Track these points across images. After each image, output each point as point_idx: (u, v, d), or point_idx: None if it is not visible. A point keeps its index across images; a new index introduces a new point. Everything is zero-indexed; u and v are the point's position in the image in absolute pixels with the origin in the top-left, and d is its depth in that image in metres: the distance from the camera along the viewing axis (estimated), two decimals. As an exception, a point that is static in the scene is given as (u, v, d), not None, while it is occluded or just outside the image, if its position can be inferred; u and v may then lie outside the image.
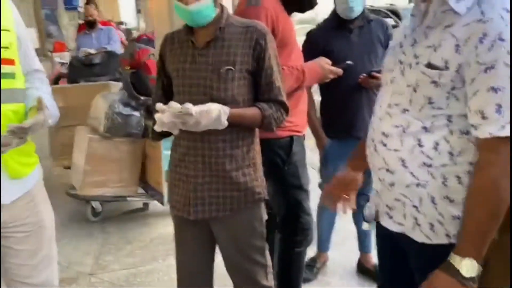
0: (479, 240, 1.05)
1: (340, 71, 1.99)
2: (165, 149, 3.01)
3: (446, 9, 1.07)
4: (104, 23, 5.79)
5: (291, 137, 1.96)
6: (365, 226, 1.36)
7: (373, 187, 1.32)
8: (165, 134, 1.55)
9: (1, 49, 1.31)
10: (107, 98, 3.28)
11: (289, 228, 2.06)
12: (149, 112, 2.86)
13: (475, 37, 1.01)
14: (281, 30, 1.82)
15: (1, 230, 1.41)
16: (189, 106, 1.34)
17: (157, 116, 1.35)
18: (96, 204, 3.39)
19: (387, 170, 1.20)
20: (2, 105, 1.28)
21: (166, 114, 1.33)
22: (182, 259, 1.70)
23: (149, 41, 4.96)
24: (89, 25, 5.15)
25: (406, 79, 1.15)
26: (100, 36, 5.05)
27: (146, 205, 3.57)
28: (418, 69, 1.11)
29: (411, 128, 1.14)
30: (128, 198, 3.42)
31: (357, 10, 2.10)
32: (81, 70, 4.13)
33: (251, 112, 1.52)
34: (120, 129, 3.15)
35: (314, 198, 2.07)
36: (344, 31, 2.14)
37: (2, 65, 1.31)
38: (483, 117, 1.02)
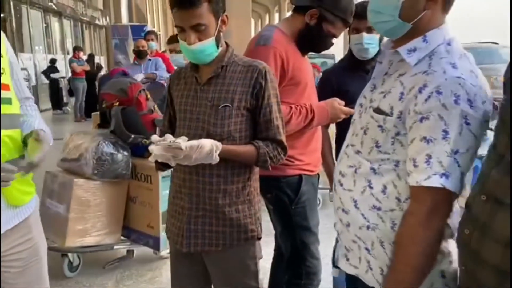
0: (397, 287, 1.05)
1: (352, 111, 1.94)
2: (162, 189, 2.86)
3: (402, 58, 1.14)
4: (160, 55, 6.05)
5: (300, 176, 1.92)
6: (334, 272, 1.34)
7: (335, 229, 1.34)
8: (167, 165, 1.56)
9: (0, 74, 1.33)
10: (90, 137, 2.96)
11: (294, 271, 2.00)
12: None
13: (417, 86, 1.06)
14: (291, 69, 1.82)
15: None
16: (179, 140, 1.37)
17: (150, 147, 1.38)
18: (73, 257, 3.01)
19: (343, 210, 1.24)
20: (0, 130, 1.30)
21: (157, 147, 1.36)
22: None
23: (125, 75, 4.34)
24: (139, 56, 5.42)
25: (361, 122, 1.22)
26: (147, 67, 5.31)
27: (130, 252, 3.26)
28: (369, 113, 1.18)
29: (362, 169, 1.19)
30: (115, 246, 3.08)
31: (372, 51, 2.06)
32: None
33: (246, 149, 1.52)
34: (109, 170, 2.86)
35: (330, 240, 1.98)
36: (360, 71, 2.10)
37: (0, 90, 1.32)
38: (415, 165, 1.06)
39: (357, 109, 1.29)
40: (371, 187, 1.15)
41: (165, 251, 3.05)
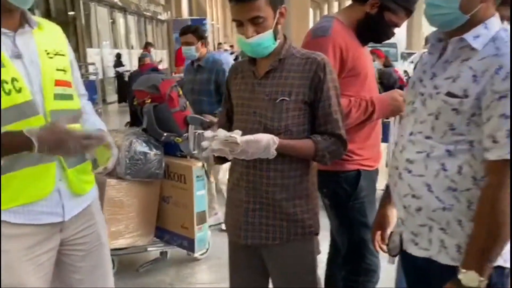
0: (480, 256, 1.14)
1: None
2: (197, 190, 2.78)
3: (463, 45, 1.21)
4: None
5: (359, 171, 1.87)
6: (390, 260, 1.42)
7: (397, 217, 1.37)
8: (224, 158, 1.58)
9: (60, 72, 1.41)
10: (122, 135, 2.85)
11: (352, 267, 1.96)
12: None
13: (492, 68, 1.14)
14: (351, 60, 1.77)
15: (63, 247, 1.48)
16: (235, 134, 1.38)
17: (205, 143, 1.40)
18: None
19: (413, 196, 1.27)
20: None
21: (215, 141, 1.38)
22: (235, 284, 1.72)
23: (156, 71, 4.41)
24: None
25: (427, 109, 1.26)
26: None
27: (164, 254, 3.20)
28: (439, 98, 1.22)
29: (435, 153, 1.23)
30: (148, 248, 3.04)
31: None
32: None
33: (303, 143, 1.51)
34: (142, 170, 2.79)
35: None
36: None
37: (62, 87, 1.41)
38: (494, 141, 1.13)
39: (415, 98, 1.32)
40: (445, 170, 1.21)
41: (199, 252, 3.03)
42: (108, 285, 1.63)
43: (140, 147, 2.78)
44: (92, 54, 12.18)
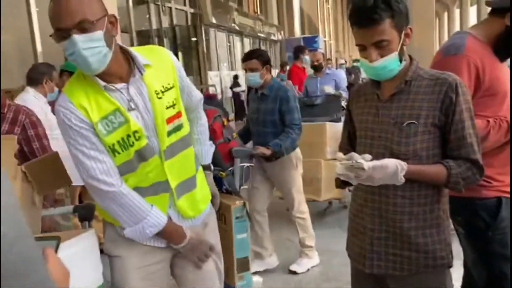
0: None
1: None
2: (237, 233, 2.35)
3: None
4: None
5: (500, 199, 1.70)
6: None
7: None
8: (348, 183, 1.54)
9: (169, 108, 1.49)
10: None
11: (491, 304, 1.77)
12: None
13: None
14: (488, 79, 1.63)
15: (175, 259, 1.65)
16: (362, 160, 1.34)
17: (338, 167, 1.38)
18: None
19: None
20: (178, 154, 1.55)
21: (340, 166, 1.37)
22: None
23: (210, 100, 4.21)
24: (315, 69, 5.54)
25: None
26: (323, 81, 5.36)
27: None
28: None
29: None
30: None
31: None
32: (302, 110, 4.48)
33: (434, 169, 1.42)
34: None
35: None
36: None
37: (173, 123, 1.50)
38: None
39: None
40: None
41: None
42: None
43: None
44: (212, 76, 13.02)
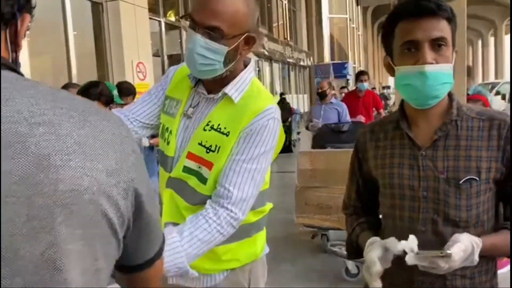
0: None
1: None
2: None
3: None
4: (370, 92, 6.09)
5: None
6: None
7: None
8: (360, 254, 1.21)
9: (201, 147, 1.30)
10: None
11: None
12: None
13: None
14: None
15: None
16: (450, 250, 1.00)
17: (410, 258, 1.02)
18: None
19: None
20: None
21: (411, 256, 1.02)
22: None
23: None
24: (320, 96, 5.46)
25: None
26: (327, 109, 5.28)
27: None
28: None
29: None
30: None
31: None
32: (328, 136, 4.45)
33: (505, 239, 1.10)
34: None
35: None
36: None
37: (193, 162, 1.30)
38: None
39: None
40: None
41: None
42: None
43: None
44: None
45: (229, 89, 1.29)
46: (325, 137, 4.49)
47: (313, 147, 4.72)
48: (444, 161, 1.11)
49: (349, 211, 1.36)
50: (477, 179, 1.09)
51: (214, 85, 1.31)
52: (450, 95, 1.16)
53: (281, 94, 12.98)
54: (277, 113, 1.29)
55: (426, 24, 1.07)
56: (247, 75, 1.33)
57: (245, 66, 1.36)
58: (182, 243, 1.19)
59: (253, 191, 1.27)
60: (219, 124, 1.27)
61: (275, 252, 2.20)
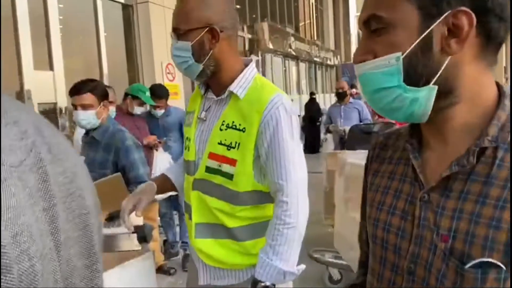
0: None
1: None
2: None
3: None
4: None
5: None
6: None
7: None
8: None
9: (221, 146, 1.37)
10: None
11: None
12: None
13: None
14: None
15: None
16: None
17: None
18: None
19: None
20: None
21: None
22: None
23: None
24: (339, 97, 5.38)
25: None
26: (346, 109, 5.20)
27: None
28: None
29: None
30: None
31: None
32: (360, 137, 4.40)
33: None
34: None
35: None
36: None
37: (215, 161, 1.39)
38: None
39: None
40: None
41: None
42: None
43: None
44: (266, 100, 13.20)
45: (233, 87, 1.38)
46: (355, 139, 4.45)
47: (346, 148, 4.66)
48: (453, 218, 0.66)
49: (362, 258, 0.96)
50: (502, 266, 0.60)
51: (219, 88, 1.42)
52: (501, 94, 0.68)
53: (311, 93, 12.88)
54: (284, 99, 1.35)
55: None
56: (249, 72, 1.41)
57: (246, 65, 1.43)
58: (268, 256, 1.31)
59: (298, 173, 1.33)
60: (233, 122, 1.35)
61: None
